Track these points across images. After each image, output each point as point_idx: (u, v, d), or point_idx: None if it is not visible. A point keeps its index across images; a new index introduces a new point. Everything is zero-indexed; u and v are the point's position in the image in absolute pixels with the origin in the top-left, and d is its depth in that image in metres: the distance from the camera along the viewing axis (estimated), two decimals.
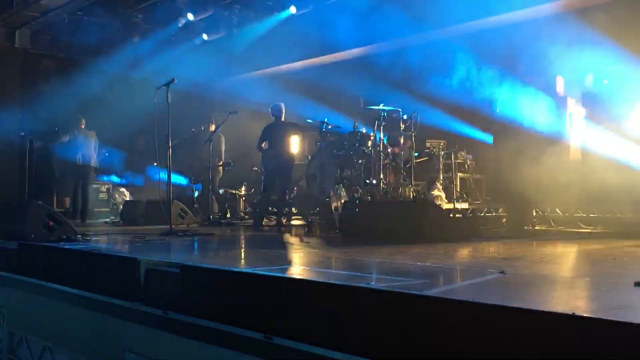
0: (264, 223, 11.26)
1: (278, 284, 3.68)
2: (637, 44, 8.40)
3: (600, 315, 2.54)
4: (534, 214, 9.67)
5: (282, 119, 11.02)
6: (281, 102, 11.17)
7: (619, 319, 2.36)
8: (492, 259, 5.56)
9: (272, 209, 11.75)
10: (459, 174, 10.53)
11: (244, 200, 13.97)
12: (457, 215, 9.61)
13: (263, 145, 10.97)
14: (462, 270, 4.80)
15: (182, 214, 11.20)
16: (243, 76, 14.76)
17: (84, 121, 12.77)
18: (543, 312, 2.56)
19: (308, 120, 11.53)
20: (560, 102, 9.30)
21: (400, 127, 10.26)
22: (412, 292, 3.15)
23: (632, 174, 8.21)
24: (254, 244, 8.12)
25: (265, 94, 12.82)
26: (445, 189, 10.10)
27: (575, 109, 9.45)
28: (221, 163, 12.60)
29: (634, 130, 8.55)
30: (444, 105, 10.82)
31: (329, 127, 11.17)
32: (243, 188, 13.85)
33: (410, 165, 10.13)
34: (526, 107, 9.10)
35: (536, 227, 9.44)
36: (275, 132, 10.87)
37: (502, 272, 4.13)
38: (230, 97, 13.70)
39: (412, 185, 10.00)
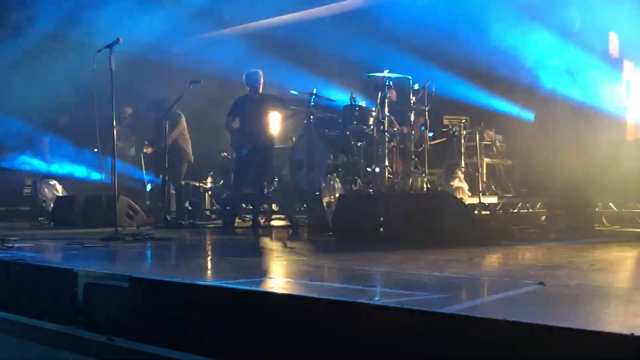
0: (236, 224, 11.27)
1: (255, 300, 3.69)
2: None
3: None
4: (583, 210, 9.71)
5: (259, 90, 11.00)
6: (258, 68, 11.15)
7: None
8: (529, 267, 5.58)
9: (247, 205, 11.75)
10: (486, 160, 10.54)
11: (210, 195, 13.96)
12: (483, 212, 9.64)
13: (233, 123, 10.95)
14: (490, 281, 4.82)
15: (131, 213, 11.18)
16: (208, 35, 14.71)
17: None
18: (593, 332, 2.58)
19: (292, 92, 11.51)
20: (614, 67, 9.33)
21: (411, 99, 10.27)
22: (428, 309, 3.16)
23: None
24: (223, 250, 8.11)
25: (236, 58, 12.78)
26: (468, 179, 10.13)
27: (633, 75, 9.49)
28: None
29: None
30: (467, 72, 10.83)
31: (319, 100, 11.16)
32: (209, 179, 13.84)
33: (424, 149, 10.13)
34: (573, 73, 9.12)
35: (585, 227, 9.48)
36: (249, 107, 10.86)
37: (541, 283, 4.15)
38: (192, 61, 13.66)
39: (425, 174, 10.01)
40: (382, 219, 7.55)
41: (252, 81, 10.99)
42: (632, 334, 2.52)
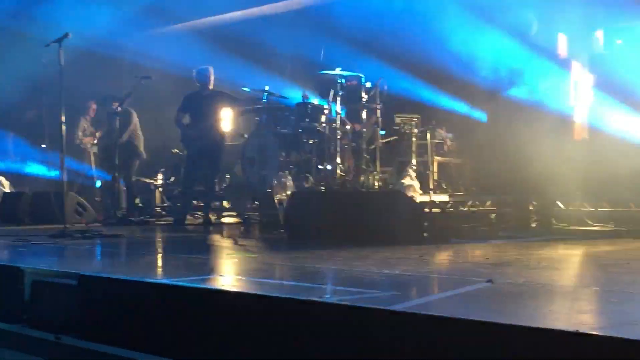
0: (187, 221, 11.21)
1: (205, 298, 3.68)
2: None
3: (609, 332, 2.62)
4: (532, 208, 9.85)
5: (210, 87, 10.95)
6: (209, 65, 11.10)
7: (633, 337, 2.44)
8: (478, 265, 5.65)
9: (198, 202, 11.69)
10: (437, 158, 10.62)
11: (161, 192, 13.85)
12: (434, 210, 9.71)
13: (184, 119, 10.87)
14: (440, 279, 4.87)
15: (80, 209, 11.07)
16: (159, 31, 14.59)
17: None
18: (540, 329, 2.62)
19: (244, 89, 11.47)
20: (562, 67, 9.47)
21: (363, 97, 10.31)
22: (378, 306, 3.18)
23: None
24: (174, 247, 8.07)
25: (188, 54, 12.71)
26: (419, 177, 10.19)
27: (581, 76, 9.64)
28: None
29: None
30: (418, 71, 10.89)
31: (272, 97, 11.15)
32: (159, 176, 13.73)
33: (375, 147, 10.18)
34: (522, 74, 9.24)
35: (533, 225, 9.62)
36: (200, 103, 10.80)
37: (489, 280, 4.20)
38: (143, 57, 13.55)
39: (377, 172, 10.06)
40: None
41: (202, 77, 10.93)
42: (577, 330, 2.57)
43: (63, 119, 8.40)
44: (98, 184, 13.39)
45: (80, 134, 13.22)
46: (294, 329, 3.22)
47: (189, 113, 10.84)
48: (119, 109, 11.38)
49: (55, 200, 8.80)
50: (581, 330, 2.57)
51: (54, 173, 13.45)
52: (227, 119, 11.26)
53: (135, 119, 12.22)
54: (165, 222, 11.78)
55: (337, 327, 3.08)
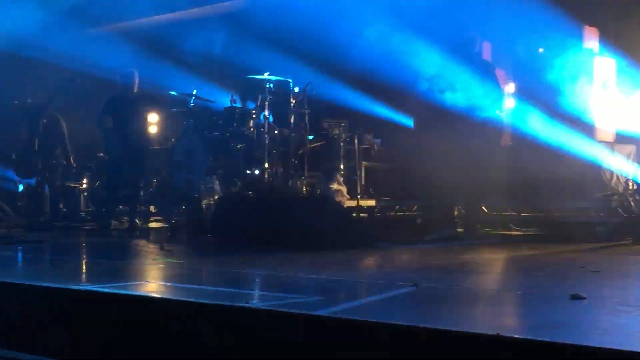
0: (112, 226, 11.04)
1: (131, 305, 3.63)
2: (580, 4, 8.85)
3: (529, 335, 2.67)
4: (456, 213, 9.98)
5: (134, 90, 10.82)
6: (134, 68, 10.97)
7: (552, 340, 2.49)
8: (404, 270, 5.71)
9: (123, 207, 11.54)
10: (364, 163, 10.69)
11: (86, 196, 13.61)
12: (361, 215, 9.77)
13: (107, 122, 10.69)
14: (366, 284, 4.90)
15: (1, 214, 10.81)
16: (83, 33, 14.36)
17: None
18: (462, 333, 2.66)
19: (171, 92, 11.37)
20: (488, 75, 9.62)
21: (291, 102, 10.31)
22: (303, 312, 3.18)
23: (574, 164, 8.61)
24: (98, 253, 7.95)
25: (113, 56, 12.53)
26: (346, 182, 10.24)
27: (504, 83, 9.81)
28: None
29: (575, 109, 8.96)
30: (347, 77, 10.95)
31: (199, 101, 11.08)
32: (85, 180, 13.50)
33: (303, 152, 10.19)
34: (447, 79, 9.36)
35: (458, 230, 9.75)
36: (124, 106, 10.64)
37: (414, 285, 4.24)
38: (67, 60, 13.31)
39: (305, 177, 10.07)
40: None
41: (127, 80, 10.80)
42: (498, 333, 2.61)
43: None
44: (20, 188, 13.09)
45: None
46: (220, 336, 3.20)
47: (113, 116, 10.68)
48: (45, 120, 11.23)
49: None
50: (502, 334, 2.61)
51: None
52: (152, 123, 11.15)
53: (63, 127, 12.02)
54: (90, 227, 11.59)
55: (261, 333, 3.07)
